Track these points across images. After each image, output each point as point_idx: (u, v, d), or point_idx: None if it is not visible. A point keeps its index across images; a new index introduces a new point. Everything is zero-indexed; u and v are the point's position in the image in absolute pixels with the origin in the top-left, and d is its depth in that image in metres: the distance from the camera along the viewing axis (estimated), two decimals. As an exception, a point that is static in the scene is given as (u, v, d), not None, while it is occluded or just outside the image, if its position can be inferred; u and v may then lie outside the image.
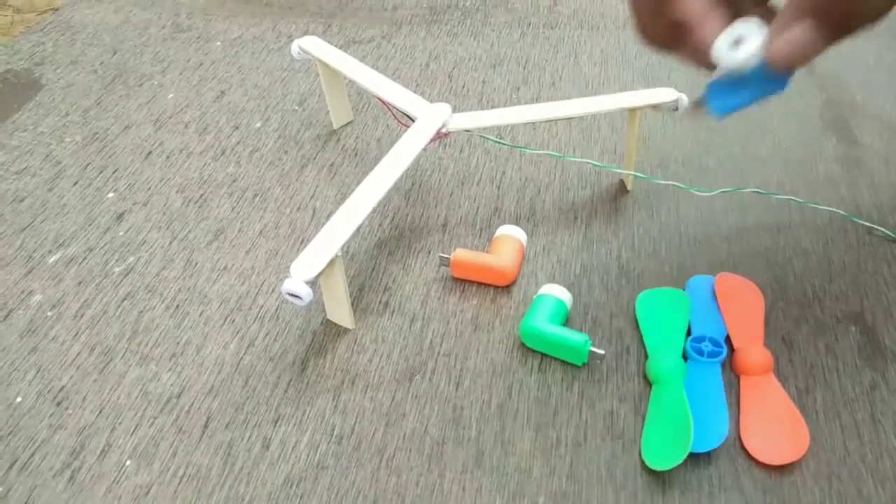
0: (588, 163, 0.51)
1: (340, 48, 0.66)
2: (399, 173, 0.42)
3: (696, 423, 0.34)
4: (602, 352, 0.38)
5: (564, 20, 0.69)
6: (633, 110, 0.46)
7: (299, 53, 0.53)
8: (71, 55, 0.67)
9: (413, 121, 0.47)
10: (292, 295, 0.37)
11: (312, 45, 0.53)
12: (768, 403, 0.36)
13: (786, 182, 0.50)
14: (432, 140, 0.45)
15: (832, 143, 0.53)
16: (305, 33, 0.69)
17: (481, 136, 0.50)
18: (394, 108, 0.49)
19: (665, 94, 0.46)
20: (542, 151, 0.52)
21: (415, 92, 0.60)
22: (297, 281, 0.37)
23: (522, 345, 0.40)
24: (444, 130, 0.46)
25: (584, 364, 0.39)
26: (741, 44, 0.30)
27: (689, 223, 0.47)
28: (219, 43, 0.68)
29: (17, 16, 0.82)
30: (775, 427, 0.35)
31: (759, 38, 0.30)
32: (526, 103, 0.59)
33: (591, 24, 0.68)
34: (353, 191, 0.50)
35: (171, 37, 0.69)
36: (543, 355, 0.40)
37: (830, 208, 0.46)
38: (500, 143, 0.50)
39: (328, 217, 0.48)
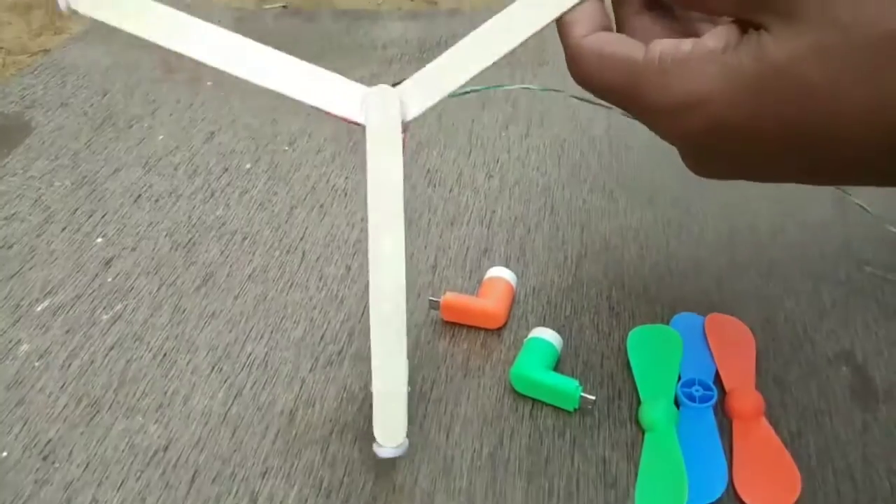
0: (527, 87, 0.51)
1: (330, 87, 0.66)
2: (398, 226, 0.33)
3: (693, 473, 0.34)
4: (593, 397, 0.38)
5: (552, 58, 0.69)
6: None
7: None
8: (61, 97, 0.67)
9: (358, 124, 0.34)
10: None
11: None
12: (760, 448, 0.36)
13: (777, 221, 0.50)
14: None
15: (820, 177, 0.53)
16: (295, 72, 0.69)
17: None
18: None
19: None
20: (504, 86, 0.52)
21: (404, 133, 0.60)
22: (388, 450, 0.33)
23: (514, 390, 0.40)
24: (405, 129, 0.34)
25: (575, 409, 0.38)
26: None
27: (679, 261, 0.47)
28: (209, 83, 0.68)
29: (9, 57, 0.82)
30: (767, 472, 0.35)
31: None
32: (514, 141, 0.59)
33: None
34: (342, 233, 0.50)
35: (161, 77, 0.70)
36: (535, 401, 0.39)
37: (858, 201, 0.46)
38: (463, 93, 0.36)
39: (318, 260, 0.48)
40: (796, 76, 0.26)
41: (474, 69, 0.33)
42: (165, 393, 0.41)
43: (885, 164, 0.28)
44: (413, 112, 0.33)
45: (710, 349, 0.40)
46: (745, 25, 0.28)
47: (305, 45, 0.73)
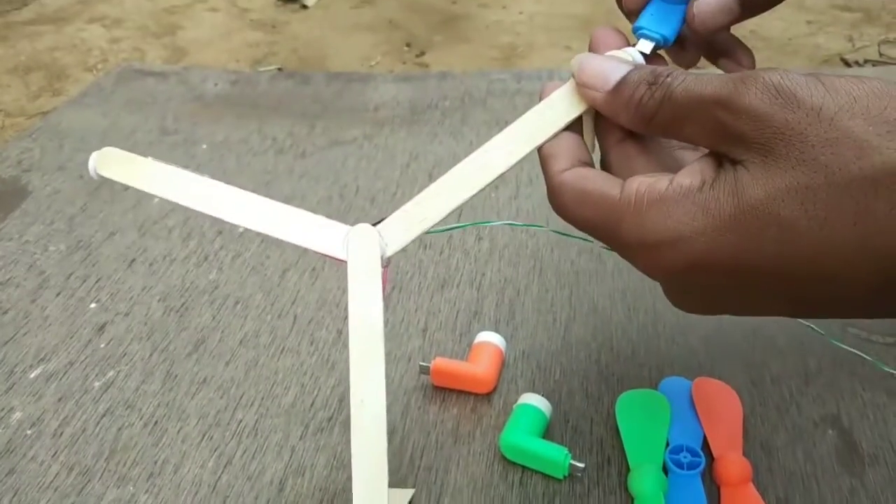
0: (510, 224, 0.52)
1: (323, 149, 0.68)
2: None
3: None
4: (582, 465, 0.38)
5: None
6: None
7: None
8: (58, 161, 0.68)
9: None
10: None
11: (113, 163, 0.36)
12: (749, 515, 0.36)
13: (760, 280, 0.50)
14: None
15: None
16: (290, 135, 0.70)
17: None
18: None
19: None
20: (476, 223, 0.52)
21: (395, 193, 0.61)
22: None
23: (503, 456, 0.40)
24: (385, 265, 0.34)
25: (565, 477, 0.39)
26: None
27: (667, 324, 0.48)
28: (204, 146, 0.69)
29: (8, 120, 0.84)
30: (757, 540, 0.35)
31: None
32: (503, 202, 0.60)
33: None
34: (333, 296, 0.51)
35: (157, 140, 0.71)
36: (524, 468, 0.39)
37: (808, 324, 0.46)
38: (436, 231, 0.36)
39: (309, 324, 0.49)
40: (775, 215, 0.26)
41: (453, 203, 0.34)
42: (156, 462, 0.41)
43: (871, 301, 0.27)
44: (393, 248, 0.34)
45: (697, 414, 0.41)
46: (722, 158, 0.29)
47: (299, 107, 0.75)
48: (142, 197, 0.63)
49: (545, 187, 0.34)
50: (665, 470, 0.38)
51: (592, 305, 0.50)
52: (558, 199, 0.32)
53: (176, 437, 0.42)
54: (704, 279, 0.29)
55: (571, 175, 0.32)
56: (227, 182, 0.64)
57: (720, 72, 0.36)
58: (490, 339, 0.45)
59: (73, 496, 0.39)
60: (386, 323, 0.48)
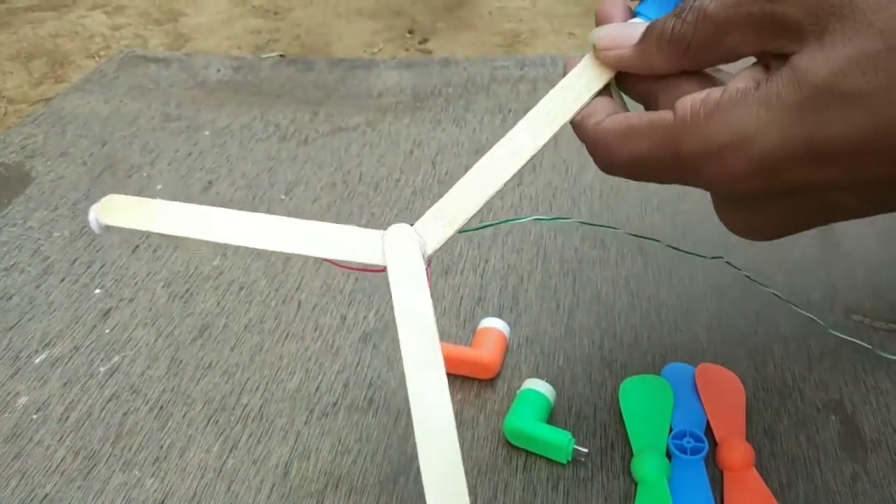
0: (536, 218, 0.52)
1: (326, 135, 0.68)
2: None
3: None
4: (586, 450, 0.38)
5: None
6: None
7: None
8: (61, 147, 0.68)
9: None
10: None
11: (117, 210, 0.34)
12: (751, 499, 0.36)
13: (762, 264, 0.50)
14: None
15: (808, 225, 0.54)
16: (293, 121, 0.70)
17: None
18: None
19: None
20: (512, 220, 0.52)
21: (398, 180, 0.61)
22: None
23: (507, 441, 0.40)
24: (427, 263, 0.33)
25: (568, 462, 0.39)
26: None
27: (670, 309, 0.48)
28: (207, 132, 0.69)
29: (10, 106, 0.83)
30: (759, 524, 0.35)
31: None
32: (506, 189, 0.60)
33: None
34: (337, 283, 0.51)
35: (160, 127, 0.71)
36: (528, 453, 0.40)
37: (809, 315, 0.46)
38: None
39: (313, 310, 0.49)
40: (843, 90, 0.25)
41: (487, 194, 0.33)
42: (162, 446, 0.41)
43: None
44: (432, 245, 0.32)
45: (700, 400, 0.41)
46: (769, 61, 0.28)
47: (302, 93, 0.75)
48: (145, 184, 0.63)
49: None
50: (668, 455, 0.38)
51: (596, 292, 0.50)
52: (605, 148, 0.31)
53: (181, 421, 0.42)
54: (773, 182, 0.28)
55: (610, 121, 0.31)
56: (231, 168, 0.64)
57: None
58: (494, 324, 0.45)
59: (79, 480, 0.40)
60: (390, 307, 0.49)
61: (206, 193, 0.61)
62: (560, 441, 0.38)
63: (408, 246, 0.32)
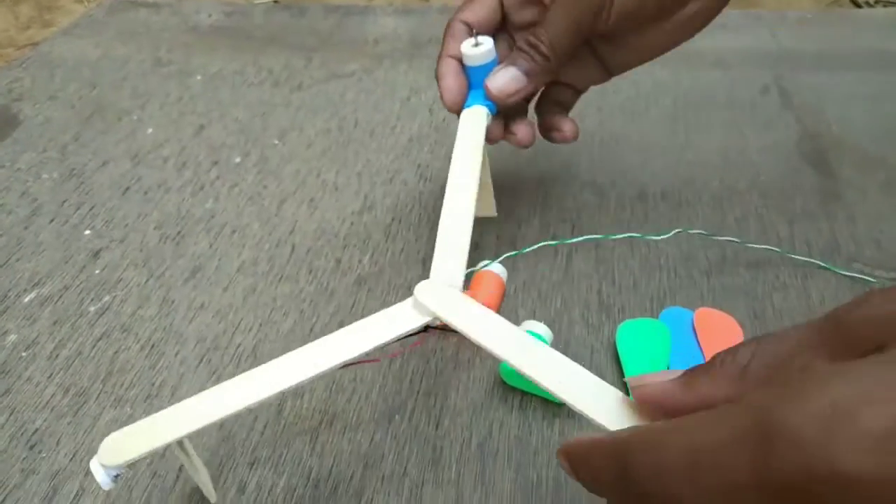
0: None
1: (321, 82, 0.66)
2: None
3: None
4: None
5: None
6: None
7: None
8: (49, 90, 0.67)
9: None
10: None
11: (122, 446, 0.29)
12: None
13: (764, 214, 0.50)
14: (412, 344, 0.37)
15: (810, 175, 0.53)
16: (286, 67, 0.69)
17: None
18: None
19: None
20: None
21: (395, 127, 0.60)
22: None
23: (503, 383, 0.40)
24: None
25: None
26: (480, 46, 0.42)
27: (669, 255, 0.47)
28: (199, 77, 0.68)
29: (-3, 50, 0.82)
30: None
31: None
32: (506, 137, 0.59)
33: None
34: (332, 227, 0.50)
35: (150, 71, 0.69)
36: (524, 393, 0.39)
37: (807, 258, 0.46)
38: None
39: (308, 253, 0.48)
40: None
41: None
42: (153, 384, 0.40)
43: None
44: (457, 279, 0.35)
45: (698, 343, 0.40)
46: None
47: (296, 39, 0.73)
48: (136, 127, 0.62)
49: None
50: None
51: (595, 239, 0.49)
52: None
53: (174, 360, 0.42)
54: None
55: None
56: (223, 112, 0.63)
57: None
58: (491, 268, 0.44)
59: (69, 416, 0.39)
60: (385, 252, 0.48)
61: (198, 137, 0.60)
62: None
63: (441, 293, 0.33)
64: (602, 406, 0.26)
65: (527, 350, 0.29)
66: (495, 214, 0.50)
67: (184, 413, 0.29)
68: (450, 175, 0.39)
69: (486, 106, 0.43)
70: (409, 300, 0.32)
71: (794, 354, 0.21)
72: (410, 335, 0.32)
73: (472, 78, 0.44)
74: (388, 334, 0.31)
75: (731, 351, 0.22)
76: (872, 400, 0.17)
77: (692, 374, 0.23)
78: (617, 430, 0.23)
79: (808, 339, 0.21)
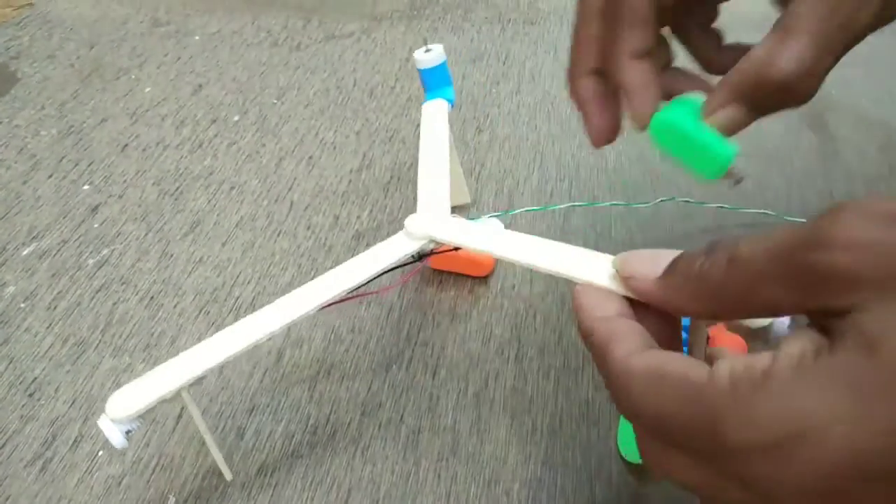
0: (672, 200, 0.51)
1: (320, 42, 0.66)
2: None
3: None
4: (742, 176, 0.30)
5: (544, 16, 0.69)
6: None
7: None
8: (48, 49, 0.66)
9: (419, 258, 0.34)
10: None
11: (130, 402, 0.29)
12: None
13: (763, 175, 0.50)
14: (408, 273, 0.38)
15: (809, 136, 0.53)
16: (285, 28, 0.68)
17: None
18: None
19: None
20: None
21: (393, 87, 0.60)
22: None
23: (499, 334, 0.40)
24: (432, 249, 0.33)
25: (716, 177, 0.30)
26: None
27: (668, 215, 0.47)
28: (197, 37, 0.67)
29: (-6, 10, 0.81)
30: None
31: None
32: (505, 97, 0.59)
33: (570, 19, 0.68)
34: (330, 184, 0.50)
35: (149, 31, 0.69)
36: (521, 343, 0.39)
37: (803, 221, 0.46)
38: None
39: (306, 209, 0.48)
40: None
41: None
42: (152, 334, 0.41)
43: None
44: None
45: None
46: (823, 320, 0.21)
47: (294, 0, 0.73)
48: (134, 85, 0.61)
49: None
50: None
51: (592, 197, 0.49)
52: (625, 389, 0.24)
53: (172, 311, 0.42)
54: (859, 492, 0.19)
55: (640, 358, 0.24)
56: (221, 72, 0.63)
57: None
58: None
59: (67, 365, 0.39)
60: (383, 208, 0.48)
61: (196, 96, 0.60)
62: (721, 149, 0.29)
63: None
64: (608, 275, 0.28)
65: (518, 241, 0.31)
66: (469, 201, 0.49)
67: (188, 360, 0.30)
68: (420, 166, 0.40)
69: (447, 100, 0.46)
70: (400, 232, 0.33)
71: (758, 283, 0.22)
72: (405, 264, 0.33)
73: (426, 81, 0.47)
74: (384, 263, 0.32)
75: (706, 262, 0.23)
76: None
77: (670, 281, 0.25)
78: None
79: (775, 271, 0.22)
